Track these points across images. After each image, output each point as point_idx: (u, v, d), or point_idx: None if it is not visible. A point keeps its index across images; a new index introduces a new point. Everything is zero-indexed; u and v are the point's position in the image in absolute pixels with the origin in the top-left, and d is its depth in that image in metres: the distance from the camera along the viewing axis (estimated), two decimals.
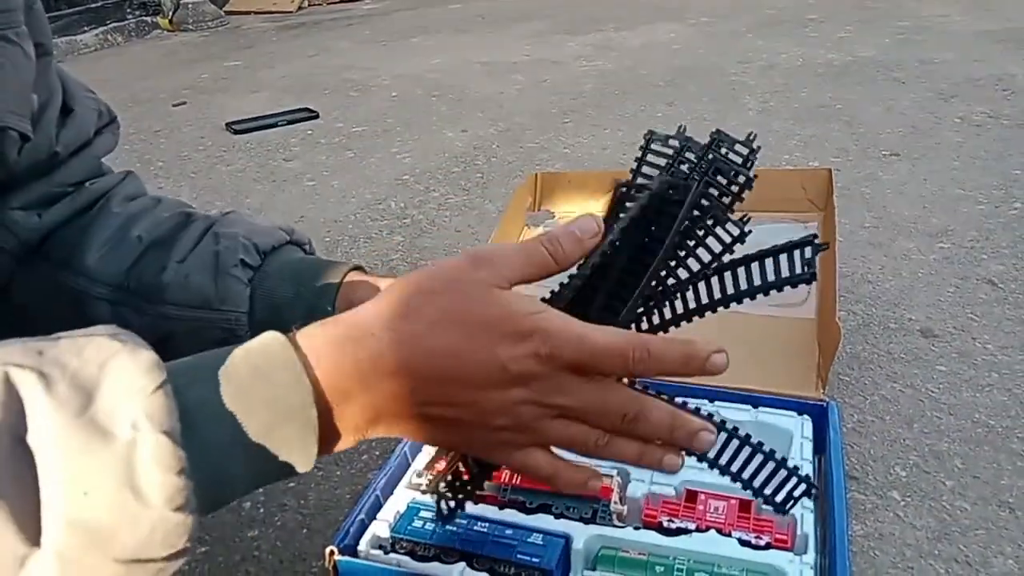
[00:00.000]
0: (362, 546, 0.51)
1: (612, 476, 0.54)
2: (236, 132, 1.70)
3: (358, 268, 0.52)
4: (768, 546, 0.49)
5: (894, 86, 1.60)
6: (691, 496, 0.54)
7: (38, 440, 0.27)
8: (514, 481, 0.54)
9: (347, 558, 0.50)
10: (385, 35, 2.70)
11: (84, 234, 0.54)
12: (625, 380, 0.37)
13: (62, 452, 0.27)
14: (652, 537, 0.51)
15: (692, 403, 0.39)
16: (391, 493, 0.55)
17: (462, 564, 0.49)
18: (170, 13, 3.31)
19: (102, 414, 0.28)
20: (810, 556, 0.48)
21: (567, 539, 0.50)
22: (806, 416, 0.59)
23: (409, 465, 0.58)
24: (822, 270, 0.66)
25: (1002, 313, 0.82)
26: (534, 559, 0.49)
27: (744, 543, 0.49)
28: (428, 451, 0.57)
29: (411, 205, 1.25)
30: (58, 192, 0.54)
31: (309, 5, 3.57)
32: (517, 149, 1.46)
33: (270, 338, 0.33)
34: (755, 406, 0.61)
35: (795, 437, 0.57)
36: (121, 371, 0.29)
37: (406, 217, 1.21)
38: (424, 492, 0.54)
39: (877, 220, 1.05)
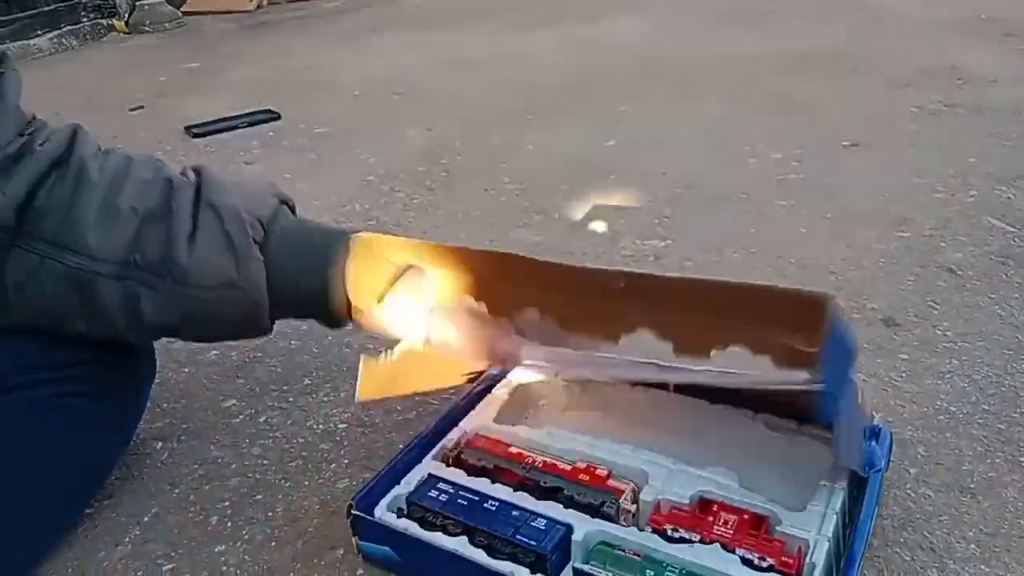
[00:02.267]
0: (379, 508, 0.55)
1: (629, 482, 0.54)
2: (196, 135, 1.67)
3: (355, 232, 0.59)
4: (771, 568, 0.48)
5: (852, 76, 1.62)
6: (704, 506, 0.53)
7: None
8: (536, 463, 0.57)
9: (363, 515, 0.54)
10: (346, 34, 2.68)
11: (71, 208, 0.54)
12: None
13: None
14: (653, 540, 0.50)
15: None
16: (418, 462, 0.59)
17: (464, 538, 0.52)
18: (126, 15, 3.24)
19: None
20: None
21: (568, 528, 0.52)
22: None
23: (441, 438, 0.61)
24: None
25: (961, 300, 0.84)
26: (532, 542, 0.51)
27: (746, 562, 0.48)
28: (460, 427, 0.62)
29: (376, 206, 1.24)
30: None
31: (268, 3, 3.52)
32: (482, 147, 1.45)
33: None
34: (800, 421, 0.59)
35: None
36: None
37: (371, 219, 1.19)
38: (448, 464, 0.58)
39: (839, 211, 1.06)
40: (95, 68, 2.62)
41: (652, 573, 0.48)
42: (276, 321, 0.60)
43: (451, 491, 0.55)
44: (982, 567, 0.53)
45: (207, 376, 0.83)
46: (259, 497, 0.66)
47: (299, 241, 0.58)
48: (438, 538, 0.52)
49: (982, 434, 0.65)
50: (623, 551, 0.50)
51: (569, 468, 0.57)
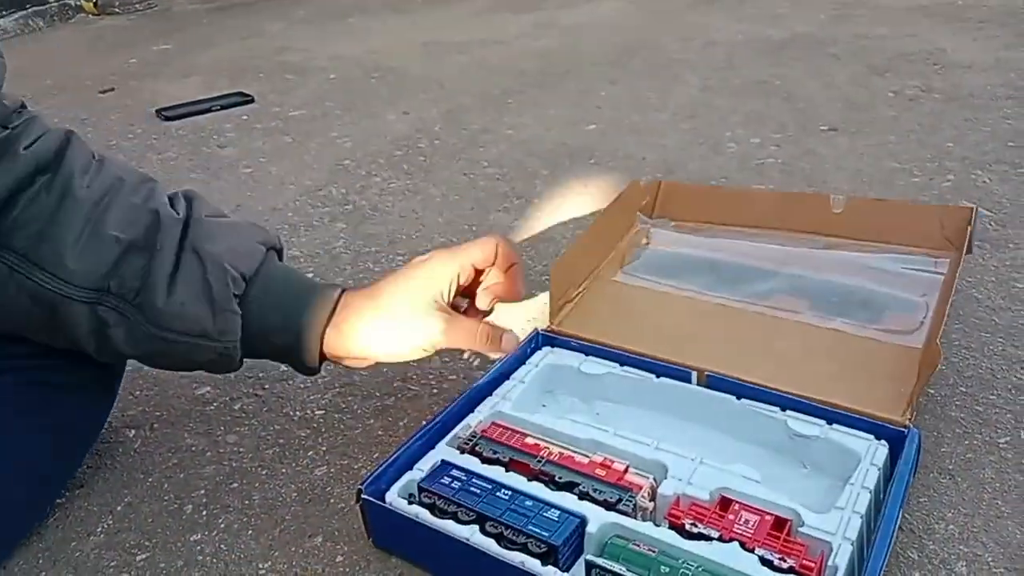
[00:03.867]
0: (390, 493, 0.54)
1: (647, 476, 0.53)
2: (167, 119, 1.63)
3: (343, 291, 0.58)
4: (791, 570, 0.47)
5: (831, 61, 1.63)
6: (725, 504, 0.52)
7: None
8: (551, 458, 0.56)
9: (373, 500, 0.54)
10: (322, 15, 2.64)
11: (51, 224, 0.51)
12: None
13: None
14: (669, 536, 0.49)
15: None
16: (432, 448, 0.58)
17: (475, 527, 0.51)
18: None
19: None
20: None
21: (582, 520, 0.50)
22: (883, 442, 0.56)
23: (455, 424, 0.61)
24: (939, 300, 0.67)
25: None
26: (544, 533, 0.49)
27: (765, 562, 0.47)
28: (476, 412, 0.62)
29: (353, 191, 1.22)
30: None
31: None
32: (460, 131, 1.44)
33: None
34: (829, 422, 0.58)
35: (863, 462, 0.54)
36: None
37: (348, 203, 1.18)
38: (462, 452, 0.58)
39: None
40: (63, 50, 2.56)
41: (667, 569, 0.47)
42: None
43: (464, 478, 0.54)
44: (961, 547, 0.53)
45: None
46: (235, 485, 0.64)
47: (279, 300, 0.57)
48: (448, 526, 0.51)
49: (960, 416, 0.65)
50: (638, 545, 0.49)
51: (586, 462, 0.55)
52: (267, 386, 0.77)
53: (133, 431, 0.72)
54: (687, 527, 0.50)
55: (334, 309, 0.57)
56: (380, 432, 0.69)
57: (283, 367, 0.79)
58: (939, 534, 0.54)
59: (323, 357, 0.59)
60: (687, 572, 0.46)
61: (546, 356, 0.69)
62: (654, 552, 0.48)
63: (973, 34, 1.72)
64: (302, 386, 0.76)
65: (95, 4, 3.16)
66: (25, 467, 0.59)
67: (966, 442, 0.62)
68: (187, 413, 0.74)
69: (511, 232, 1.04)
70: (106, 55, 2.37)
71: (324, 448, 0.68)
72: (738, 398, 0.61)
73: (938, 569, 0.52)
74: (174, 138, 1.54)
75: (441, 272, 0.59)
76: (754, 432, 0.60)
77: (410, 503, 0.54)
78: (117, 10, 3.14)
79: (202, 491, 0.64)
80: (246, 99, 1.72)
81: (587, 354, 0.68)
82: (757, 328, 0.71)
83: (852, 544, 0.48)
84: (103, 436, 0.70)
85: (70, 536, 0.61)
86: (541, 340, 0.71)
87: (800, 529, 0.50)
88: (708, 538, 0.49)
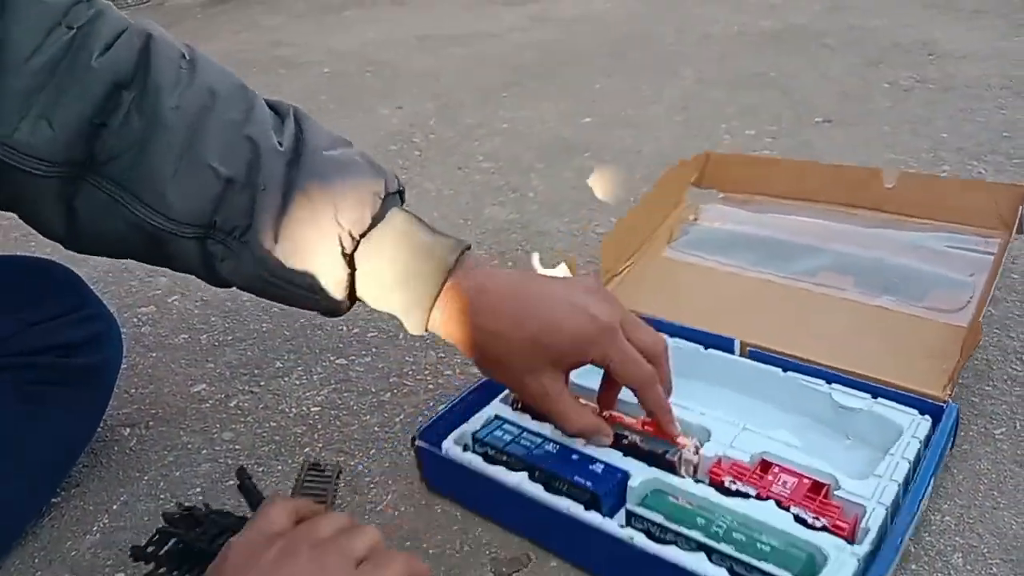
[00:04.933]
0: (446, 442, 0.58)
1: (692, 437, 0.55)
2: None
3: (465, 249, 0.52)
4: (824, 529, 0.48)
5: (826, 53, 1.62)
6: (765, 466, 0.53)
7: None
8: (602, 415, 0.57)
9: (428, 447, 0.58)
10: (316, 9, 2.62)
11: (144, 153, 0.46)
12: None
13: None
14: (707, 492, 0.51)
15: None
16: (486, 403, 0.61)
17: (523, 474, 0.54)
18: None
19: None
20: (862, 548, 0.46)
21: (625, 474, 0.53)
22: (927, 417, 0.57)
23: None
24: (987, 279, 0.67)
25: None
26: (588, 482, 0.52)
27: (799, 520, 0.48)
28: None
29: None
30: (30, 76, 0.44)
31: None
32: (455, 125, 1.43)
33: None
34: (874, 396, 0.59)
35: (904, 435, 0.55)
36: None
37: None
38: (515, 409, 0.60)
39: None
40: None
41: (703, 521, 0.49)
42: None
43: (516, 432, 0.57)
44: (957, 539, 0.53)
45: (176, 361, 0.81)
46: (231, 483, 0.64)
47: (393, 259, 0.51)
48: (499, 472, 0.55)
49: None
50: (676, 499, 0.51)
51: (635, 420, 0.57)
52: (263, 383, 0.77)
53: (128, 429, 0.72)
54: (726, 484, 0.52)
55: (439, 292, 0.50)
56: (376, 428, 0.69)
57: (279, 363, 0.79)
58: (935, 526, 0.55)
59: (428, 329, 0.53)
60: (722, 524, 0.48)
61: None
62: (691, 505, 0.50)
63: (967, 24, 1.71)
64: (298, 383, 0.76)
65: None
66: (19, 466, 0.59)
67: (962, 433, 0.62)
68: (183, 411, 0.74)
69: (506, 226, 1.04)
70: None
71: (320, 445, 0.68)
72: (784, 370, 0.63)
73: (934, 561, 0.52)
74: None
75: (584, 348, 0.50)
76: (799, 403, 0.61)
77: (463, 452, 0.57)
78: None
79: (198, 489, 0.64)
80: None
81: None
82: (802, 304, 0.72)
83: (886, 509, 0.49)
84: (98, 434, 0.69)
85: (65, 535, 0.61)
86: None
87: (836, 493, 0.51)
88: (745, 495, 0.51)
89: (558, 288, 0.51)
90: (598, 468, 0.53)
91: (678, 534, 0.48)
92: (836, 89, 1.41)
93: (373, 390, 0.74)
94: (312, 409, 0.72)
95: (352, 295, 0.52)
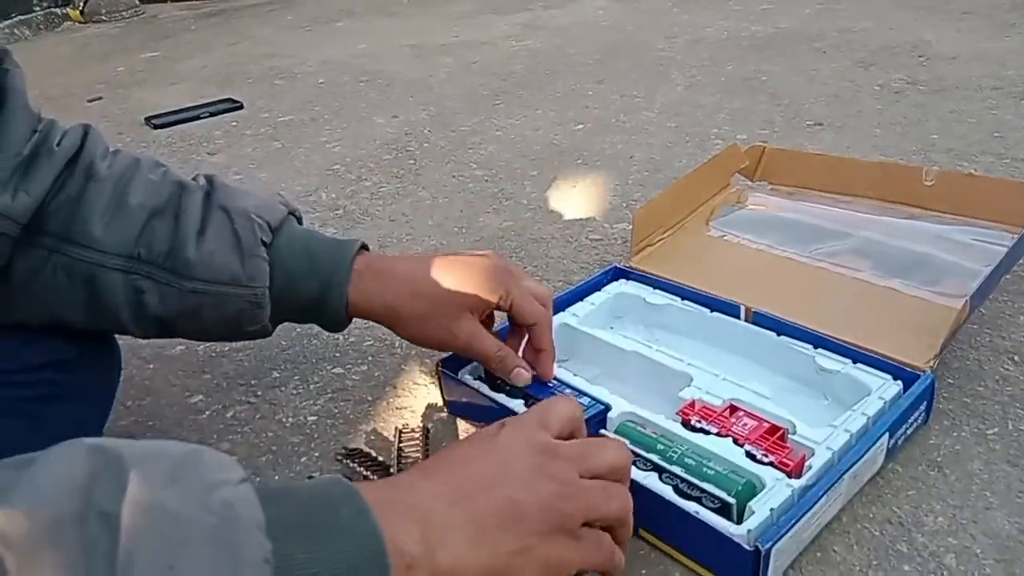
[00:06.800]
0: (462, 372, 0.66)
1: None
2: (156, 127, 1.63)
3: (363, 247, 0.61)
4: (771, 464, 0.53)
5: (816, 56, 1.63)
6: (732, 410, 0.59)
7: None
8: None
9: (448, 372, 0.67)
10: (309, 20, 2.63)
11: (79, 204, 0.55)
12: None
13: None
14: (674, 427, 0.57)
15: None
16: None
17: (521, 400, 0.62)
18: (81, 4, 3.16)
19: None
20: (799, 482, 0.51)
21: (607, 407, 0.60)
22: (898, 382, 0.61)
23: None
24: (994, 268, 0.68)
25: None
26: None
27: (750, 455, 0.54)
28: None
29: (343, 195, 1.22)
30: (16, 160, 0.52)
31: None
32: (448, 133, 1.44)
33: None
34: (854, 361, 0.63)
35: (870, 396, 0.59)
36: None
37: (338, 208, 1.18)
38: (475, 379, 0.66)
39: None
40: (50, 59, 2.56)
41: (661, 447, 0.55)
42: (276, 325, 0.62)
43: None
44: (949, 539, 0.54)
45: (172, 372, 0.82)
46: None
47: (306, 247, 0.60)
48: (501, 397, 0.63)
49: (948, 408, 0.65)
50: (643, 428, 0.58)
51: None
52: (259, 393, 0.77)
53: None
54: (692, 422, 0.58)
55: (358, 254, 0.60)
56: (373, 438, 0.69)
57: (276, 373, 0.79)
58: (928, 527, 0.55)
59: (350, 312, 0.61)
60: (677, 451, 0.55)
61: (619, 286, 0.78)
62: (655, 435, 0.57)
63: (956, 25, 1.73)
64: (295, 392, 0.76)
65: (81, 12, 3.15)
66: None
67: (954, 434, 0.62)
68: (179, 422, 0.74)
69: (500, 233, 1.04)
70: (93, 64, 2.37)
71: (317, 454, 0.68)
72: (778, 335, 0.68)
73: (927, 562, 0.52)
74: (163, 146, 1.54)
75: (491, 289, 0.60)
76: (786, 366, 0.66)
77: (474, 379, 0.66)
78: (104, 18, 3.13)
79: None
80: (235, 106, 1.72)
81: (654, 287, 0.77)
82: (815, 280, 0.75)
83: (832, 452, 0.54)
84: None
85: None
86: (615, 273, 0.80)
87: (792, 437, 0.56)
88: (707, 432, 0.57)
89: (456, 254, 0.62)
90: (585, 400, 0.60)
91: (638, 455, 0.55)
92: (827, 92, 1.42)
93: (369, 399, 0.74)
94: (309, 419, 0.73)
95: (272, 287, 0.58)
